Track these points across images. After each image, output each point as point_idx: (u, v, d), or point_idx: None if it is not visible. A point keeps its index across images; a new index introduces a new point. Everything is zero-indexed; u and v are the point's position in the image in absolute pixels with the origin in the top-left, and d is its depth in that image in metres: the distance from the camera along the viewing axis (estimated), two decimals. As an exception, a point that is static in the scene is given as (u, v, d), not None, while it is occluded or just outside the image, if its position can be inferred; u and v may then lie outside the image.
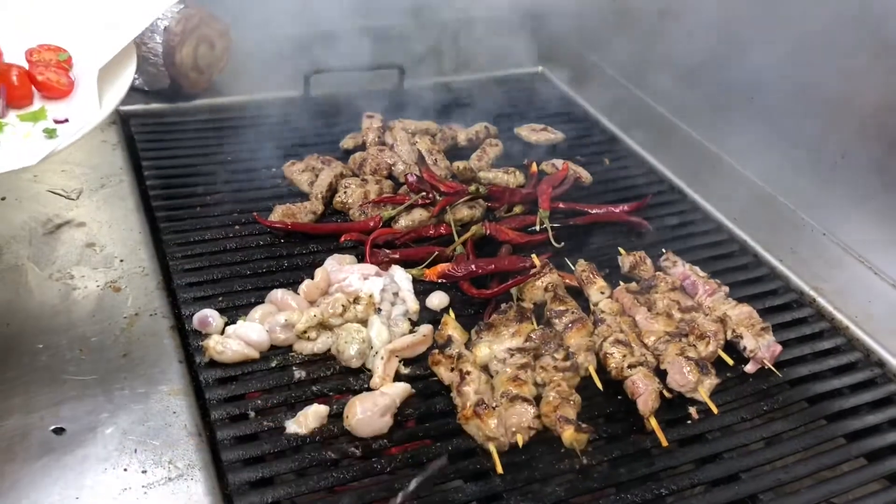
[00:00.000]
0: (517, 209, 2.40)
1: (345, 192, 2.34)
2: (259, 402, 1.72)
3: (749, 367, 1.94)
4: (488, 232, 2.22)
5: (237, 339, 1.81)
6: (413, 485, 1.50)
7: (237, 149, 2.56)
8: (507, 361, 1.82)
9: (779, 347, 1.95)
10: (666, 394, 1.82)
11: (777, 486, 1.67)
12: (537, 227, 2.32)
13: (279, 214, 2.24)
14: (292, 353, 1.85)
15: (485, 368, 1.84)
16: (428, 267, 2.11)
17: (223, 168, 2.46)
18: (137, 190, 2.28)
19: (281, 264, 2.11)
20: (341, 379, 1.81)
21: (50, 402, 1.61)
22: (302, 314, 1.85)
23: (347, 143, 2.64)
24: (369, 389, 1.77)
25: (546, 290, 2.05)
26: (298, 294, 1.95)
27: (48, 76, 1.90)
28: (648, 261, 2.19)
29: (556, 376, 1.79)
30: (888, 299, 2.19)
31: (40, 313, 1.81)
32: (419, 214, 2.28)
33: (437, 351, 1.84)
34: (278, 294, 1.94)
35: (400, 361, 1.85)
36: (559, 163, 2.60)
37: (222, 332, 1.85)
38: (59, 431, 1.55)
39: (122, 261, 2.00)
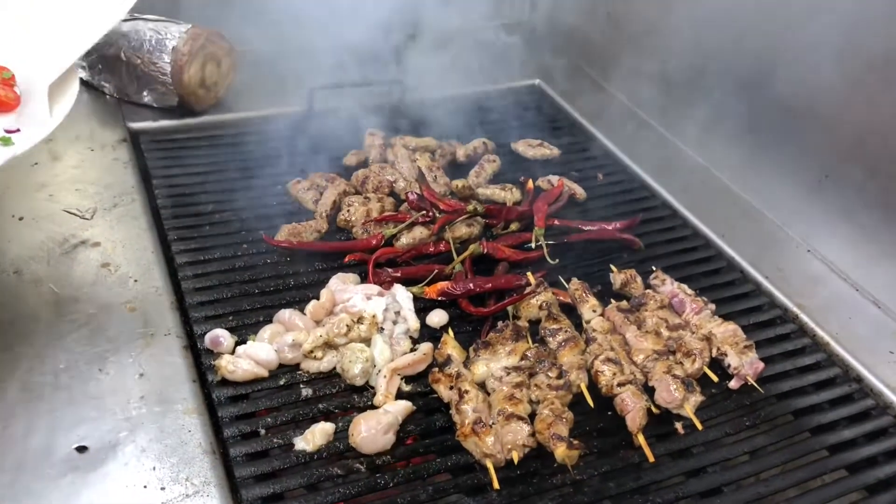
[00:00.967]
0: (513, 226, 2.50)
1: (348, 211, 2.44)
2: (269, 419, 1.83)
3: (733, 384, 2.04)
4: (485, 251, 2.32)
5: (247, 358, 1.91)
6: None
7: (244, 165, 2.65)
8: (503, 380, 1.92)
9: (761, 364, 2.05)
10: (653, 409, 1.93)
11: (757, 500, 1.78)
12: (533, 245, 2.42)
13: (285, 234, 2.33)
14: (299, 372, 1.95)
15: (481, 385, 1.94)
16: (428, 285, 2.21)
17: (231, 185, 2.55)
18: (149, 208, 2.37)
19: (287, 283, 2.21)
20: (346, 397, 1.91)
21: (72, 420, 1.71)
22: (309, 334, 1.95)
23: (350, 159, 2.73)
24: (373, 407, 1.87)
25: (541, 308, 2.15)
26: (305, 314, 2.04)
27: (-5, 92, 2.05)
28: (639, 279, 2.29)
29: (550, 394, 1.89)
30: (868, 316, 2.28)
31: (61, 334, 1.90)
32: (419, 232, 2.38)
33: (436, 369, 1.94)
34: (286, 314, 2.04)
35: (401, 379, 1.95)
36: (555, 179, 2.69)
37: (233, 352, 1.95)
38: (81, 450, 1.66)
39: (136, 281, 2.10)
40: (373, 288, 2.12)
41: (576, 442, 1.78)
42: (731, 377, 2.05)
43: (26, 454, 1.63)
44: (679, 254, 2.50)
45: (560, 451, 1.76)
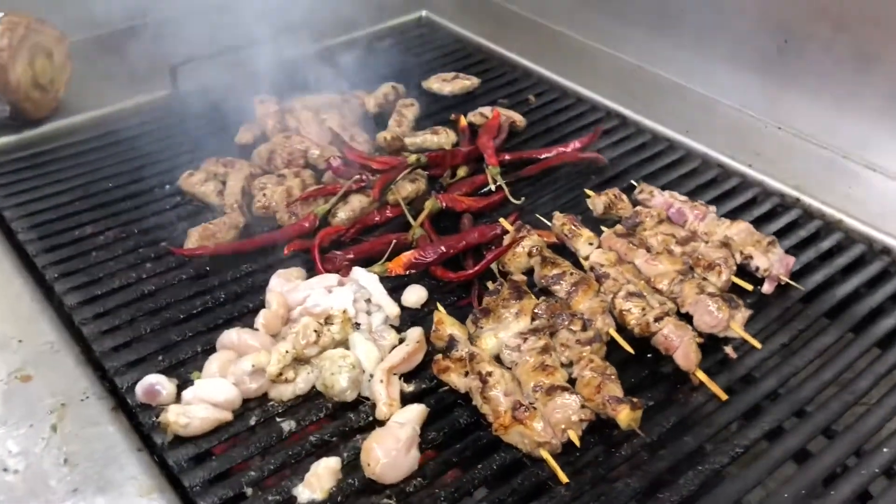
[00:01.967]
0: (461, 171, 2.13)
1: (263, 195, 2.00)
2: (252, 473, 1.40)
3: (766, 288, 1.78)
4: (444, 204, 1.94)
5: (200, 402, 1.47)
6: None
7: (115, 171, 2.17)
8: (521, 348, 1.56)
9: (791, 259, 1.81)
10: (696, 339, 1.62)
11: (849, 411, 1.52)
12: (491, 187, 2.07)
13: (196, 239, 1.87)
14: (271, 403, 1.53)
15: (495, 361, 1.57)
16: (390, 259, 1.81)
17: (106, 198, 2.07)
18: (11, 249, 1.84)
19: (217, 298, 1.76)
20: (340, 418, 1.51)
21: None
22: (270, 353, 1.52)
23: (244, 136, 2.27)
24: (377, 422, 1.47)
25: (530, 254, 1.80)
26: (257, 329, 1.60)
27: None
28: (624, 197, 1.97)
29: (584, 351, 1.55)
30: (865, 182, 2.07)
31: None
32: (358, 202, 1.97)
33: (440, 357, 1.56)
34: (232, 335, 1.59)
35: (400, 379, 1.55)
36: (487, 110, 2.34)
37: (177, 399, 1.49)
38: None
39: (20, 341, 1.60)
40: (331, 278, 1.71)
41: (636, 400, 1.45)
42: (761, 281, 1.78)
43: None
44: (648, 162, 2.23)
45: (624, 415, 1.43)
